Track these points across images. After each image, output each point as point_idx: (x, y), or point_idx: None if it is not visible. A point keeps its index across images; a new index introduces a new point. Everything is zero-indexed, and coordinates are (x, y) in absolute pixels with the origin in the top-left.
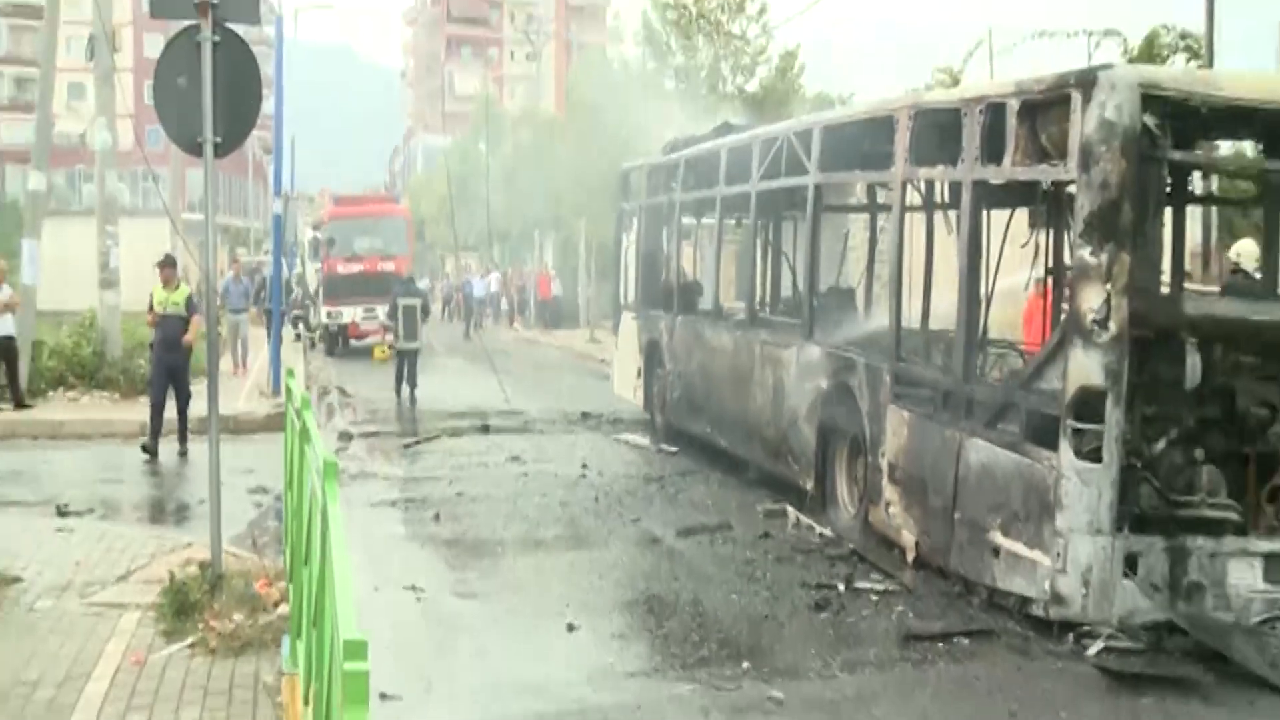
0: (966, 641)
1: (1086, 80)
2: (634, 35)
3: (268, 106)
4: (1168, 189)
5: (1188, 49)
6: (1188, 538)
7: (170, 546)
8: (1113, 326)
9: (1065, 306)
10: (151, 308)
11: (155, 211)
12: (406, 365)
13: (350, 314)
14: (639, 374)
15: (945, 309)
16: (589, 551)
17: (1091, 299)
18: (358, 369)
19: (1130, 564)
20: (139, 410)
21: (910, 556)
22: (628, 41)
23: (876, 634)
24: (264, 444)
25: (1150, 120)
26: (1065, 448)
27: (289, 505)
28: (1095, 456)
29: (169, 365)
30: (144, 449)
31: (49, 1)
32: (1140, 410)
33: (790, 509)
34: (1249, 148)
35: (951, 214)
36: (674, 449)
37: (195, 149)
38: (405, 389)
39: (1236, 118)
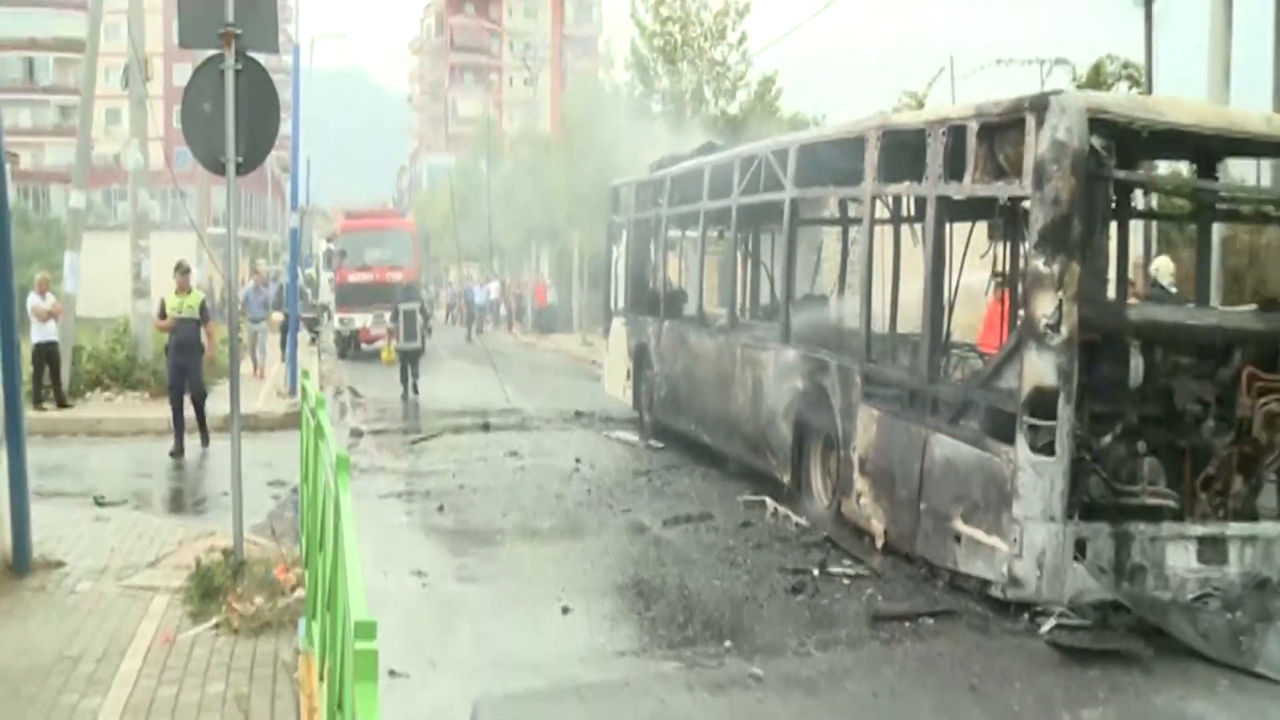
0: (931, 621)
1: (1039, 105)
2: (624, 62)
3: (285, 128)
4: (1113, 205)
5: (1129, 77)
6: (1131, 524)
7: (196, 535)
8: (1064, 331)
9: (1021, 312)
10: (164, 313)
11: (183, 226)
12: (408, 364)
13: (361, 320)
14: (628, 375)
15: (911, 314)
16: (582, 540)
17: (1045, 305)
18: (368, 371)
19: (1080, 548)
20: (167, 409)
21: (879, 543)
22: (618, 67)
23: (848, 615)
24: (282, 441)
25: (1097, 142)
26: (1021, 442)
27: (305, 497)
28: (1048, 450)
29: (182, 366)
30: (171, 454)
31: (89, 37)
32: (1089, 408)
33: (769, 500)
34: (1184, 168)
35: (917, 227)
36: (661, 445)
37: (219, 168)
38: (409, 383)
39: (1173, 140)
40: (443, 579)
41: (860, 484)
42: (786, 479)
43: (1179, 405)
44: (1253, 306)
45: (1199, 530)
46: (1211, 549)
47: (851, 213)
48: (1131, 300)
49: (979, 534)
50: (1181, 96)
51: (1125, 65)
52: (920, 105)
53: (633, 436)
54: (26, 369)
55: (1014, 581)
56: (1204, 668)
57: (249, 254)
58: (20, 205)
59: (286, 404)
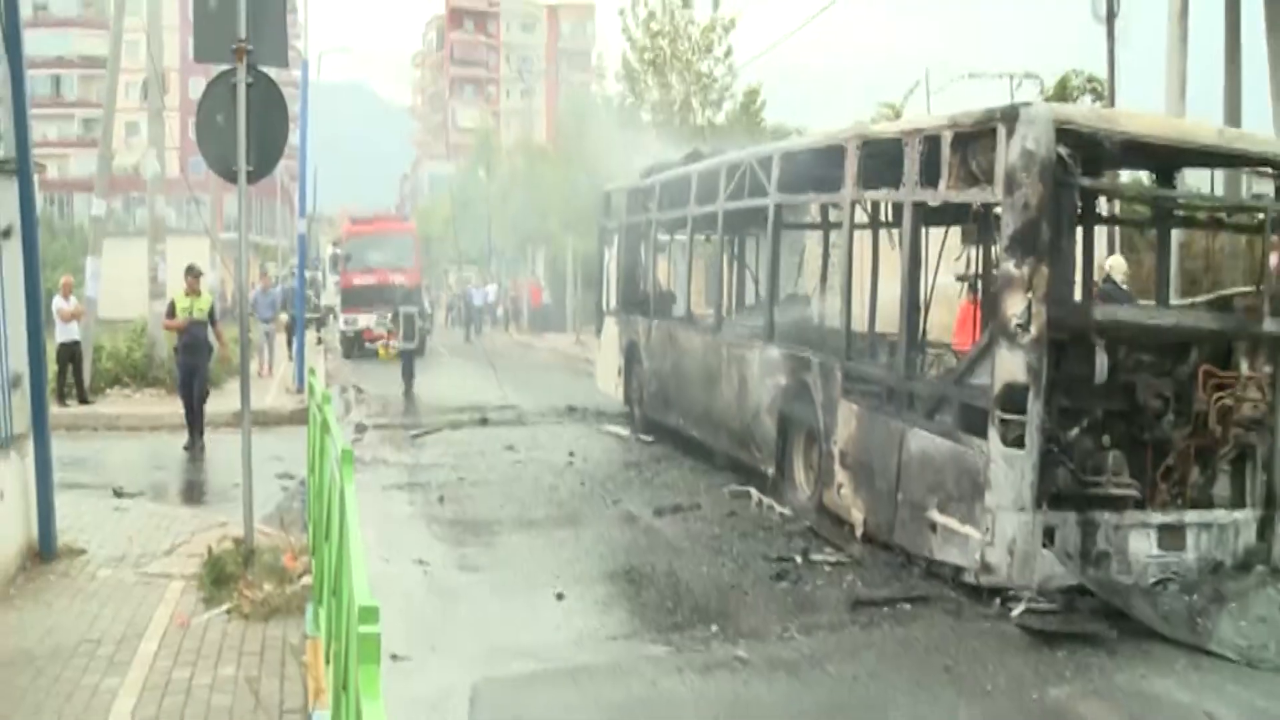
0: (908, 606)
1: (1010, 116)
2: (615, 74)
3: (294, 138)
4: (1078, 211)
5: (1093, 91)
6: (1096, 513)
7: (209, 525)
8: (1033, 330)
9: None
10: (174, 314)
11: (197, 231)
12: (406, 362)
13: (365, 321)
14: (619, 372)
15: (889, 314)
16: (575, 529)
17: (1015, 306)
18: (372, 370)
19: (1048, 536)
20: (181, 405)
21: (859, 532)
22: (610, 79)
23: (829, 600)
24: (290, 435)
25: (1064, 151)
26: (993, 436)
27: (312, 489)
28: (1019, 443)
29: (191, 367)
30: (186, 448)
31: (111, 54)
32: (1057, 403)
33: (753, 491)
34: (1144, 176)
35: (894, 231)
36: (650, 439)
37: (231, 176)
38: (405, 381)
39: (1134, 150)
40: (443, 567)
41: (841, 476)
42: (771, 471)
43: (1140, 400)
44: (1188, 301)
45: (1159, 518)
46: (1170, 536)
47: (832, 218)
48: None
49: (953, 523)
50: (1141, 109)
51: (1089, 79)
52: (897, 116)
53: (624, 431)
54: (51, 367)
55: (986, 568)
56: (1163, 647)
57: (259, 258)
58: (46, 213)
59: (294, 400)
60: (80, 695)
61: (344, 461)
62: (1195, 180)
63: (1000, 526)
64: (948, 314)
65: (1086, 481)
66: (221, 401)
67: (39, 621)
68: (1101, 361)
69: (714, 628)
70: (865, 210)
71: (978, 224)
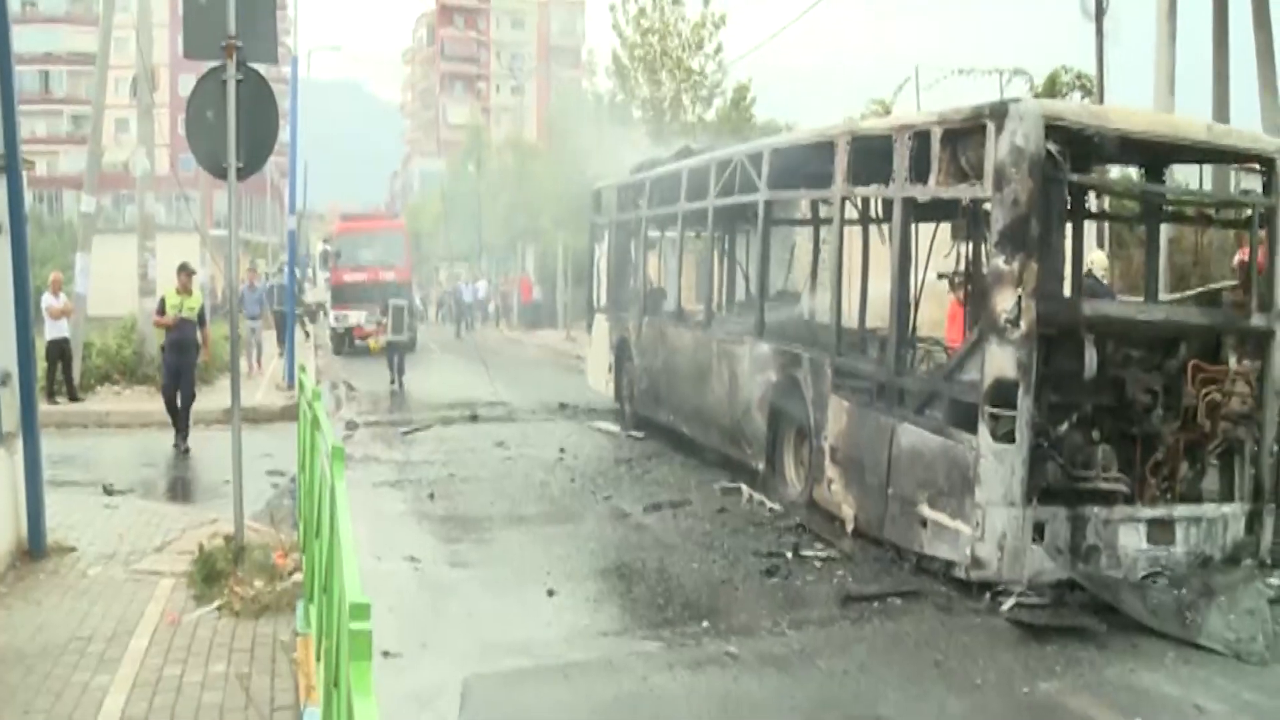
0: (898, 601)
1: (999, 112)
2: (606, 71)
3: (284, 135)
4: (1068, 206)
5: (1082, 87)
6: (1086, 507)
7: (199, 522)
8: (1023, 325)
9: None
10: (163, 310)
11: (187, 228)
12: (396, 355)
13: (355, 317)
14: (610, 369)
15: (879, 310)
16: (566, 526)
17: (1005, 301)
18: (362, 366)
19: (1038, 531)
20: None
21: (849, 528)
22: (600, 76)
23: (820, 596)
24: (280, 432)
25: (1053, 147)
26: (983, 431)
27: (302, 485)
28: (1009, 438)
29: (178, 366)
30: (176, 446)
31: (100, 50)
32: (1046, 398)
33: (744, 487)
34: (1133, 172)
35: (884, 227)
36: (641, 435)
37: (221, 173)
38: (395, 376)
39: (1123, 146)
40: (434, 563)
41: (831, 471)
42: (761, 467)
43: (1130, 395)
44: (1174, 297)
45: (1148, 513)
46: (1160, 530)
47: (822, 214)
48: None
49: (943, 518)
50: (1130, 105)
51: (1078, 76)
52: (887, 112)
53: (614, 427)
54: (41, 365)
55: (976, 563)
56: (1152, 641)
57: (249, 255)
58: (35, 209)
59: (285, 397)
60: (70, 693)
61: (334, 458)
62: (1184, 176)
63: (990, 521)
64: (938, 309)
65: (1076, 476)
66: (212, 398)
67: (29, 619)
68: (1091, 356)
69: (705, 623)
70: (855, 206)
71: (968, 220)
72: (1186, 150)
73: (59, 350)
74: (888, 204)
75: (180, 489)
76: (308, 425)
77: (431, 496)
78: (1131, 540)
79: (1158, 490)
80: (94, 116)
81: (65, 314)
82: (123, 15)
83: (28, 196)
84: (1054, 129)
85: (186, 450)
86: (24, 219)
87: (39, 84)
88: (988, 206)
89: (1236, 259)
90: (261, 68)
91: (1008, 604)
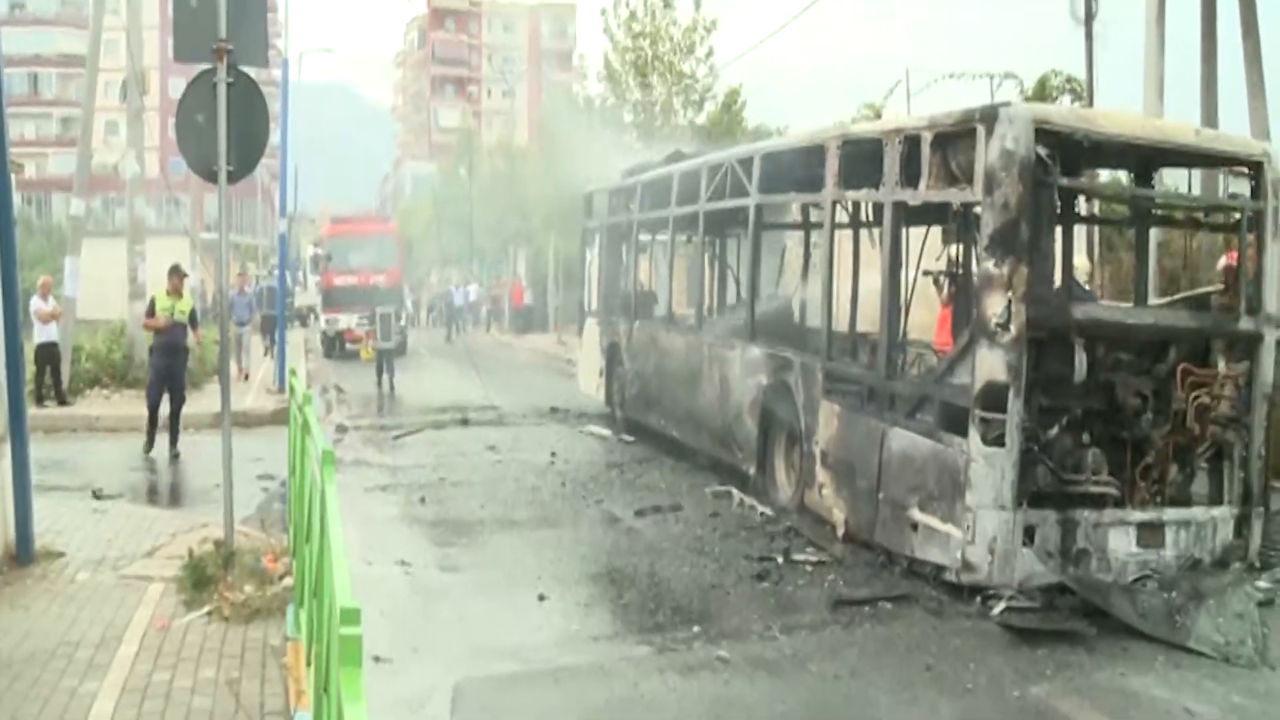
0: (889, 605)
1: (989, 116)
2: (597, 74)
3: (274, 138)
4: (1058, 210)
5: (1072, 91)
6: (1076, 511)
7: (189, 526)
8: (1013, 329)
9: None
10: (154, 313)
11: (177, 231)
12: (385, 360)
13: (346, 321)
14: (601, 373)
15: (870, 314)
16: (557, 530)
17: (995, 305)
18: (353, 370)
19: (1029, 534)
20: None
21: (840, 532)
22: (591, 80)
23: (811, 600)
24: (270, 436)
25: (1043, 151)
26: (974, 435)
27: (292, 490)
28: (999, 442)
29: (169, 370)
30: (147, 450)
31: (90, 53)
32: (1036, 401)
33: (735, 491)
34: (1122, 176)
35: (875, 231)
36: (632, 439)
37: (211, 177)
38: (385, 380)
39: (1112, 150)
40: (425, 568)
41: (822, 475)
42: (752, 471)
43: (1120, 399)
44: (1159, 301)
45: (1138, 516)
46: (1150, 534)
47: (813, 218)
48: None
49: (934, 522)
50: (1120, 109)
51: (1068, 80)
52: (878, 116)
53: (605, 431)
54: (29, 369)
55: (967, 566)
56: (1142, 645)
57: (239, 258)
58: (24, 212)
59: (275, 401)
60: (58, 699)
61: (325, 462)
62: (1173, 180)
63: (981, 525)
64: (928, 313)
65: (1066, 480)
66: (201, 403)
67: (16, 625)
68: (1081, 360)
69: (696, 628)
70: (846, 210)
71: (958, 224)
72: (1175, 154)
73: (48, 354)
74: (878, 208)
75: (170, 493)
76: (298, 429)
77: (422, 500)
78: (1121, 544)
79: (1147, 494)
80: (83, 119)
81: (54, 318)
82: (113, 18)
83: (16, 199)
84: (1044, 133)
85: (177, 455)
86: (12, 222)
87: (28, 86)
88: (978, 210)
89: (1222, 263)
90: (252, 70)
91: (998, 608)
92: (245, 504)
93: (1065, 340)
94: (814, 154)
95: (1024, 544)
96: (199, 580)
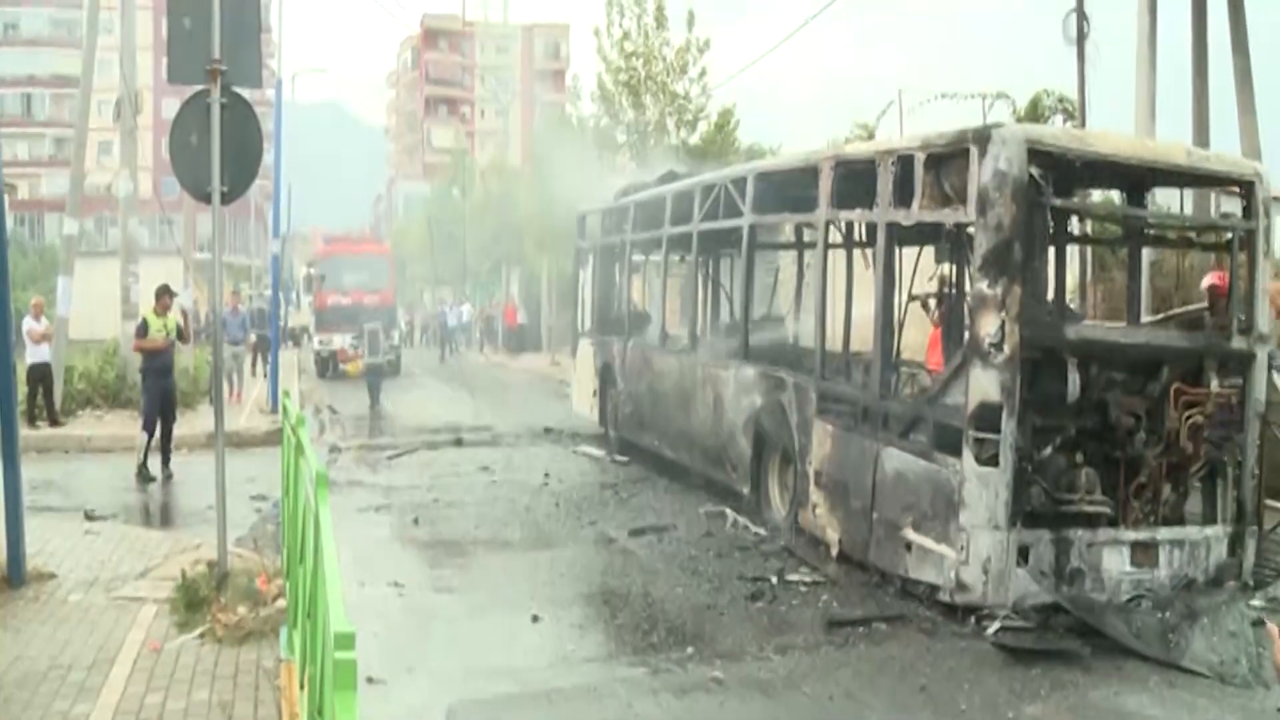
0: (883, 626)
1: (982, 136)
2: (590, 95)
3: (268, 159)
4: (1050, 230)
5: (1064, 111)
6: (1070, 531)
7: (182, 547)
8: (1007, 349)
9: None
10: (147, 332)
11: (170, 252)
12: (374, 378)
13: (339, 341)
14: (595, 393)
15: (863, 334)
16: (551, 551)
17: (988, 325)
18: (346, 390)
19: (1023, 554)
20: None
21: (834, 552)
22: (585, 100)
23: (805, 620)
24: (264, 457)
25: (1036, 171)
26: (967, 455)
27: (286, 511)
28: (993, 462)
29: (164, 390)
30: (140, 474)
31: (84, 73)
32: (1030, 421)
33: (729, 511)
34: (1115, 196)
35: (868, 251)
36: (626, 459)
37: (205, 197)
38: (373, 397)
39: (1105, 170)
40: (418, 589)
41: (816, 495)
42: (746, 491)
43: (1113, 418)
44: (1148, 320)
45: (1132, 536)
46: (1143, 553)
47: (806, 238)
48: None
49: (928, 542)
50: (1112, 129)
51: (1060, 100)
52: (871, 136)
53: (599, 451)
54: (21, 389)
55: (961, 586)
56: (1137, 664)
57: (232, 278)
58: (17, 232)
59: (268, 421)
60: None
61: (318, 484)
62: (1165, 199)
63: (975, 545)
64: (922, 334)
65: (1060, 499)
66: (194, 423)
67: (8, 647)
68: (1074, 380)
69: (690, 649)
70: (839, 230)
71: (951, 244)
72: (1167, 174)
73: (40, 375)
74: (871, 228)
75: (163, 514)
76: (291, 450)
77: (416, 521)
78: (1115, 563)
79: (1141, 513)
80: (76, 139)
81: (46, 338)
82: (106, 38)
83: (9, 219)
84: (1037, 153)
85: (170, 475)
86: (5, 242)
87: (21, 107)
88: (971, 231)
89: (1205, 282)
90: (245, 91)
91: (992, 628)
92: (238, 525)
93: (1058, 360)
94: (807, 174)
95: (1018, 564)
96: (192, 602)
